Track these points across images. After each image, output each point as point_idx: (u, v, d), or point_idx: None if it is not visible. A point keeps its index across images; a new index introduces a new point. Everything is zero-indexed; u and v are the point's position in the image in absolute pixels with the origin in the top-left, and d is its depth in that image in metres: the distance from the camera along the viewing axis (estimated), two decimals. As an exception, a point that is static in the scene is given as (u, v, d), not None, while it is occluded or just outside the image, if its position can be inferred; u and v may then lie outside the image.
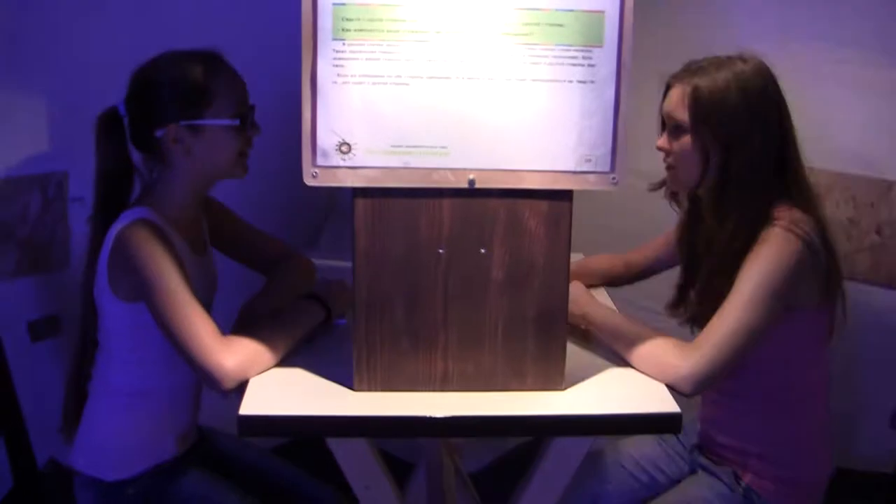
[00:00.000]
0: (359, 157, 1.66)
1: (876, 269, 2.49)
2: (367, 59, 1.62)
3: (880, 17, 2.41)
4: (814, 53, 2.48)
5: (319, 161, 1.66)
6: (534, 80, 1.64)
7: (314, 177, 1.67)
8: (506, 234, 1.72)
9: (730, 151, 1.92)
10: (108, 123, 1.96)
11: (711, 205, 1.97)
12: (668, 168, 2.05)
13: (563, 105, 1.66)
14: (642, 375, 1.86)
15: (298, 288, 2.12)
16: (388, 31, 1.62)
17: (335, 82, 1.63)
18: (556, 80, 1.65)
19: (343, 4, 1.60)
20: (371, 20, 1.61)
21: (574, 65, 1.64)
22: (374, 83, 1.63)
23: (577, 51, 1.64)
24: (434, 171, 1.67)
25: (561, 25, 1.63)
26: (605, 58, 1.65)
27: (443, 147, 1.66)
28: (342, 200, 3.22)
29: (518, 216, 1.71)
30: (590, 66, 1.65)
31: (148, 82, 1.92)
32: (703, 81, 1.94)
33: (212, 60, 1.94)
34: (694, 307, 2.08)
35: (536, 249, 1.73)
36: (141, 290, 1.83)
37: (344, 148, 1.66)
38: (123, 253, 1.84)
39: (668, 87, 2.03)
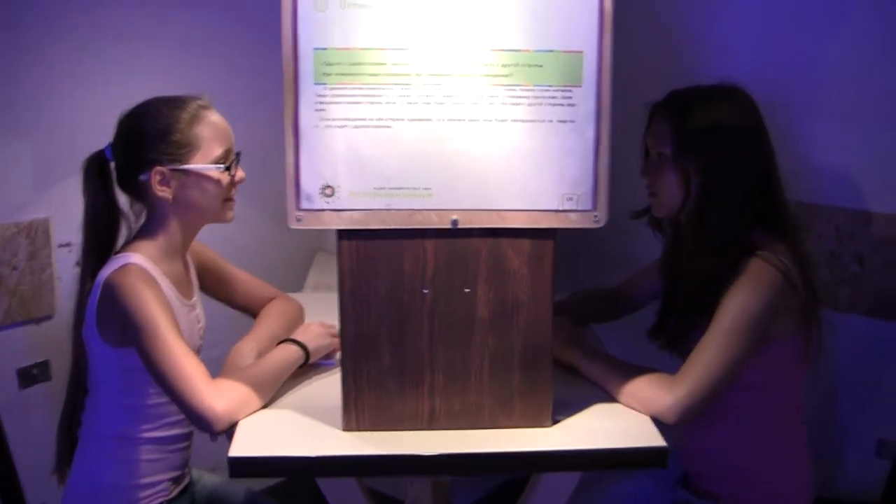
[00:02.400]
0: (342, 200, 1.68)
1: (857, 299, 2.51)
2: (348, 102, 1.65)
3: (862, 50, 2.44)
4: (794, 84, 2.51)
5: (303, 205, 1.68)
6: (514, 121, 1.67)
7: (299, 220, 1.69)
8: (489, 273, 1.74)
9: (711, 179, 1.95)
10: (96, 168, 1.97)
11: (692, 230, 2.00)
12: (651, 195, 2.07)
13: (544, 144, 1.68)
14: (628, 409, 1.88)
15: (287, 330, 2.13)
16: (369, 75, 1.64)
17: (317, 126, 1.65)
18: (537, 120, 1.67)
19: (324, 49, 1.63)
20: (352, 64, 1.64)
21: (554, 104, 1.67)
22: (356, 126, 1.66)
23: (556, 91, 1.66)
24: (417, 213, 1.69)
25: (540, 66, 1.65)
26: (585, 97, 1.67)
27: (426, 188, 1.68)
28: (329, 240, 3.25)
29: (501, 255, 1.73)
30: (570, 105, 1.67)
31: (134, 127, 1.94)
32: (686, 112, 1.97)
33: (198, 106, 1.96)
34: (673, 333, 2.10)
35: (520, 288, 1.75)
36: (130, 336, 1.83)
37: (328, 191, 1.68)
38: (112, 299, 1.85)
39: (651, 116, 2.05)
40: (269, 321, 2.17)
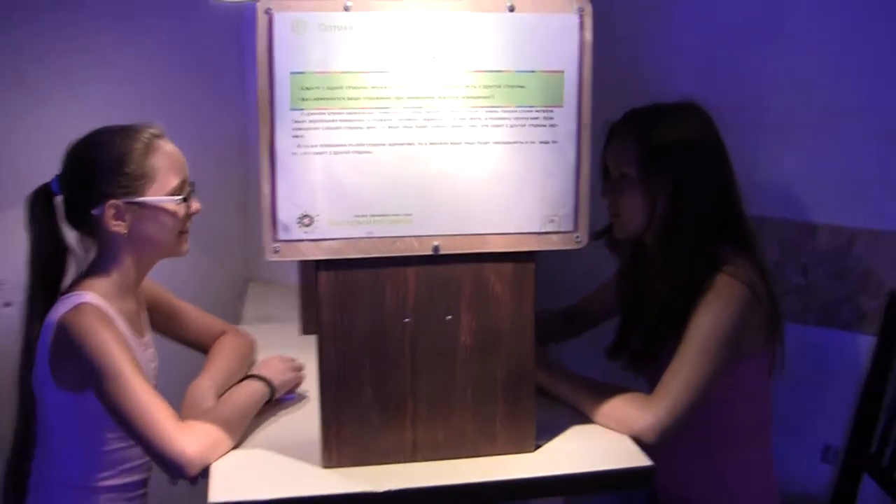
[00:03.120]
0: (321, 229, 1.62)
1: (803, 310, 2.55)
2: (327, 128, 1.58)
3: (802, 64, 2.48)
4: (737, 99, 2.54)
5: (281, 235, 1.61)
6: (496, 143, 1.63)
7: (276, 252, 1.62)
8: (471, 299, 1.69)
9: (677, 199, 1.94)
10: (41, 202, 1.88)
11: (660, 251, 1.99)
12: (613, 216, 2.05)
13: (526, 166, 1.65)
14: (608, 430, 1.86)
15: (241, 365, 2.06)
16: (348, 99, 1.58)
17: (295, 153, 1.58)
18: (518, 142, 1.64)
19: (301, 73, 1.56)
20: (330, 88, 1.57)
21: (535, 125, 1.64)
22: (335, 152, 1.59)
23: (538, 111, 1.63)
24: (398, 240, 1.64)
25: (522, 87, 1.62)
26: (566, 117, 1.64)
27: (406, 214, 1.63)
28: (261, 270, 3.16)
29: (483, 280, 1.69)
30: (551, 126, 1.64)
31: (86, 159, 1.85)
32: (650, 131, 1.95)
33: (151, 135, 1.87)
34: (638, 350, 2.09)
35: (502, 313, 1.71)
36: (89, 379, 1.74)
37: (306, 220, 1.61)
38: (68, 341, 1.75)
39: (610, 136, 2.03)
40: (224, 357, 2.08)
